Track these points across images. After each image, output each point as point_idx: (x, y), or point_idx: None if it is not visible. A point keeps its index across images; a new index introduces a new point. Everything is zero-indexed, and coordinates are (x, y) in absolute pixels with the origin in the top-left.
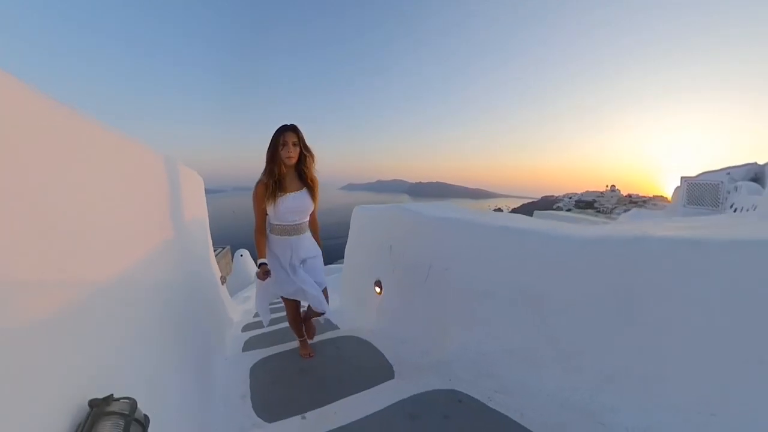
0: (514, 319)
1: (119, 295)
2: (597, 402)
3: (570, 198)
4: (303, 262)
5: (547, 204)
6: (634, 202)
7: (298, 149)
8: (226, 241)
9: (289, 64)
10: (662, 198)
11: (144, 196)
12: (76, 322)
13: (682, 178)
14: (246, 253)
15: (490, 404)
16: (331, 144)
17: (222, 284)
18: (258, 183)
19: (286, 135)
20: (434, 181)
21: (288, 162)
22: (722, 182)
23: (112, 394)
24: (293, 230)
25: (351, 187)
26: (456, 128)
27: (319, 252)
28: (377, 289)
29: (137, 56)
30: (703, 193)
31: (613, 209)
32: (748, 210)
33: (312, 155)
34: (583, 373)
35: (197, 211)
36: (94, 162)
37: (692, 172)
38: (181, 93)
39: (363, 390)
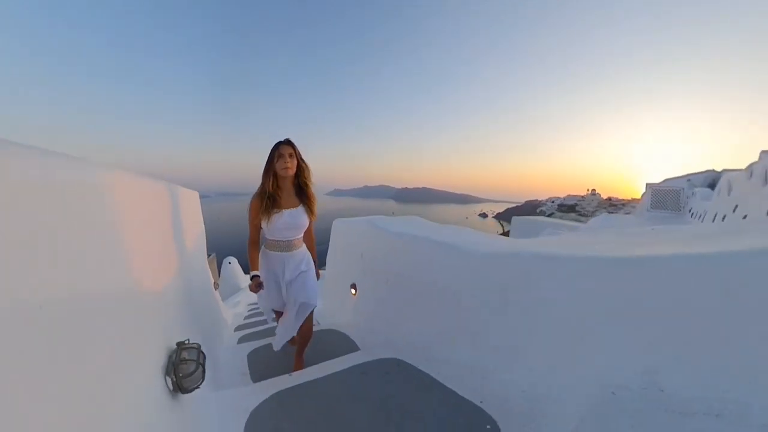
0: (440, 309)
1: (154, 298)
2: (486, 364)
3: (553, 202)
4: (295, 277)
5: (530, 208)
6: (613, 205)
7: (295, 161)
8: (211, 248)
9: (275, 67)
10: (639, 201)
11: (158, 226)
12: (152, 309)
13: (647, 184)
14: (234, 260)
15: (419, 367)
16: (317, 149)
17: (215, 290)
18: (253, 197)
19: (281, 148)
20: (420, 186)
21: (284, 173)
22: (683, 188)
23: (188, 338)
24: (285, 246)
25: (337, 193)
26: (443, 133)
27: (311, 266)
28: (353, 291)
29: (120, 54)
30: (666, 198)
31: (594, 212)
32: (701, 215)
33: (308, 168)
34: (479, 346)
35: (195, 228)
36: (129, 207)
37: (670, 177)
38: (166, 94)
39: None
